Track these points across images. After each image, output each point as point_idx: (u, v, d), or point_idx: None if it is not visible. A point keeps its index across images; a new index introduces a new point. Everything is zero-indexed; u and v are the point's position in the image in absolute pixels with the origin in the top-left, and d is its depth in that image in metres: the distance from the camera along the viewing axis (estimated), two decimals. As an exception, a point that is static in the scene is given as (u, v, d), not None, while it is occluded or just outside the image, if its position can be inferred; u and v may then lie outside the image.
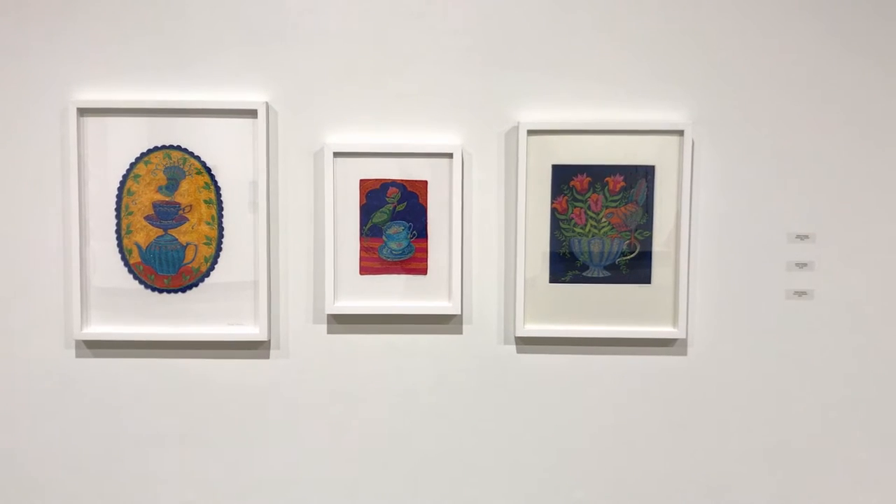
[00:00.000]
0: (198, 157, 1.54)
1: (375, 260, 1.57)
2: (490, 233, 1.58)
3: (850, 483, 1.63)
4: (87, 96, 1.54)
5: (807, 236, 1.57)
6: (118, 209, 1.55)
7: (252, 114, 1.53)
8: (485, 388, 1.61)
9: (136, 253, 1.55)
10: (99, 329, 1.57)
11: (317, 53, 1.54)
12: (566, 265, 1.57)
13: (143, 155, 1.54)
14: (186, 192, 1.54)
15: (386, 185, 1.55)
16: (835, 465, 1.63)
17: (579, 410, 1.62)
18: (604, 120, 1.54)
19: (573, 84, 1.55)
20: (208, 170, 1.54)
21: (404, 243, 1.56)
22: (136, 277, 1.56)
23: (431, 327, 1.60)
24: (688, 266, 1.55)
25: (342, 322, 1.59)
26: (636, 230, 1.56)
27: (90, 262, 1.56)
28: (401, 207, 1.56)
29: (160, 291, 1.56)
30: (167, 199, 1.55)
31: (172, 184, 1.54)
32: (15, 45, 1.53)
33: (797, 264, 1.58)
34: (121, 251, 1.56)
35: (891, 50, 1.54)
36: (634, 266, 1.56)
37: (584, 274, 1.57)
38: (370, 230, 1.56)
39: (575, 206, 1.55)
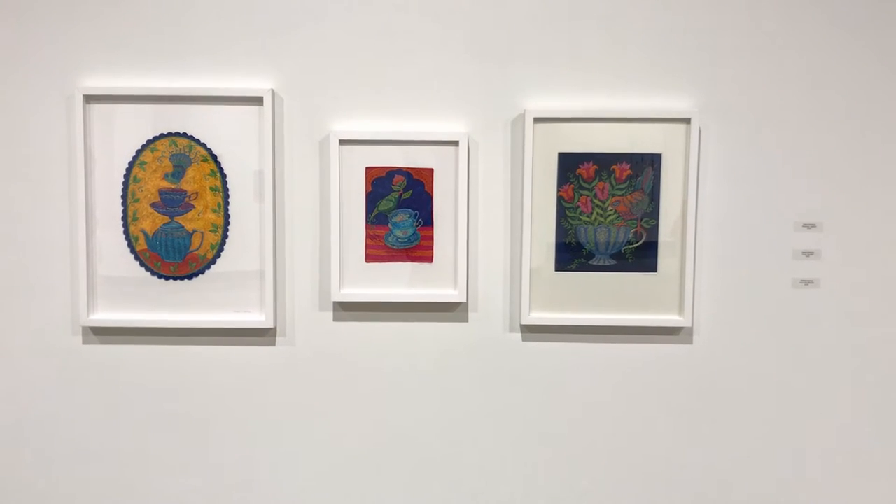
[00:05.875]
0: (204, 145, 1.54)
1: (381, 248, 1.57)
2: (496, 221, 1.58)
3: (852, 472, 1.63)
4: (93, 83, 1.54)
5: (813, 225, 1.57)
6: (124, 196, 1.55)
7: (258, 101, 1.53)
8: (490, 376, 1.61)
9: (142, 240, 1.56)
10: (105, 316, 1.57)
11: (322, 40, 1.54)
12: (572, 253, 1.56)
13: (149, 142, 1.54)
14: (192, 179, 1.54)
15: (392, 172, 1.55)
16: (838, 454, 1.63)
17: (584, 399, 1.62)
18: (610, 107, 1.54)
19: (580, 71, 1.54)
20: (214, 157, 1.54)
21: (410, 231, 1.56)
22: (142, 265, 1.56)
23: (437, 315, 1.60)
24: (694, 254, 1.55)
25: (348, 310, 1.59)
26: (642, 218, 1.55)
27: (96, 249, 1.56)
28: (406, 195, 1.56)
29: (166, 279, 1.57)
30: (173, 187, 1.55)
31: (178, 171, 1.54)
32: (21, 32, 1.53)
33: (803, 253, 1.58)
34: (127, 238, 1.56)
35: (899, 38, 1.54)
36: (640, 255, 1.56)
37: (590, 262, 1.57)
38: (376, 218, 1.56)
39: (581, 194, 1.55)
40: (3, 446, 1.63)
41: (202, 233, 1.56)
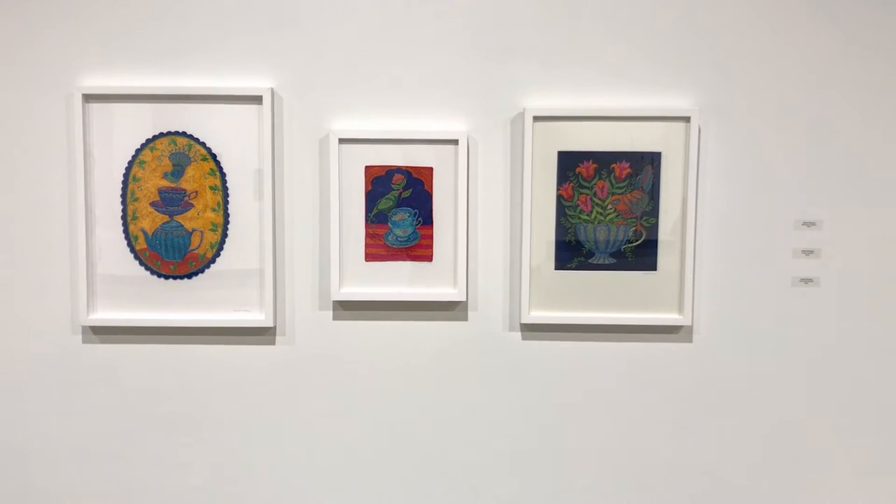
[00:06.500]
0: (203, 144, 1.54)
1: (381, 247, 1.57)
2: (495, 219, 1.58)
3: (851, 470, 1.63)
4: (93, 83, 1.54)
5: (813, 223, 1.57)
6: (124, 195, 1.55)
7: (257, 100, 1.53)
8: (490, 375, 1.61)
9: (142, 239, 1.56)
10: (105, 315, 1.57)
11: (322, 39, 1.54)
12: (572, 252, 1.56)
13: (148, 141, 1.54)
14: (192, 178, 1.54)
15: (391, 171, 1.55)
16: (837, 451, 1.63)
17: (584, 397, 1.62)
18: (610, 106, 1.54)
19: (579, 70, 1.54)
20: (214, 156, 1.54)
21: (409, 230, 1.56)
22: (142, 264, 1.56)
23: (437, 314, 1.60)
24: (693, 253, 1.55)
25: (348, 308, 1.59)
26: (642, 217, 1.55)
27: (96, 249, 1.56)
28: (406, 194, 1.55)
29: (166, 278, 1.57)
30: (173, 186, 1.55)
31: (178, 170, 1.54)
32: (20, 32, 1.53)
33: (803, 251, 1.58)
34: (127, 237, 1.56)
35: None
36: (640, 253, 1.56)
37: (590, 261, 1.57)
38: (375, 217, 1.56)
39: (581, 193, 1.55)
40: (4, 446, 1.63)
41: (202, 232, 1.56)
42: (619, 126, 1.53)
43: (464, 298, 1.56)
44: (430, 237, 1.57)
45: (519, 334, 1.61)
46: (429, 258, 1.57)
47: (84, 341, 1.60)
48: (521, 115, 1.54)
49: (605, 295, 1.57)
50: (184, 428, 1.62)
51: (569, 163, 1.54)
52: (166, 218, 1.55)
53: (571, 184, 1.55)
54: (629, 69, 1.54)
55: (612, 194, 1.55)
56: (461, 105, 1.55)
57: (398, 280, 1.57)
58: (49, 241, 1.57)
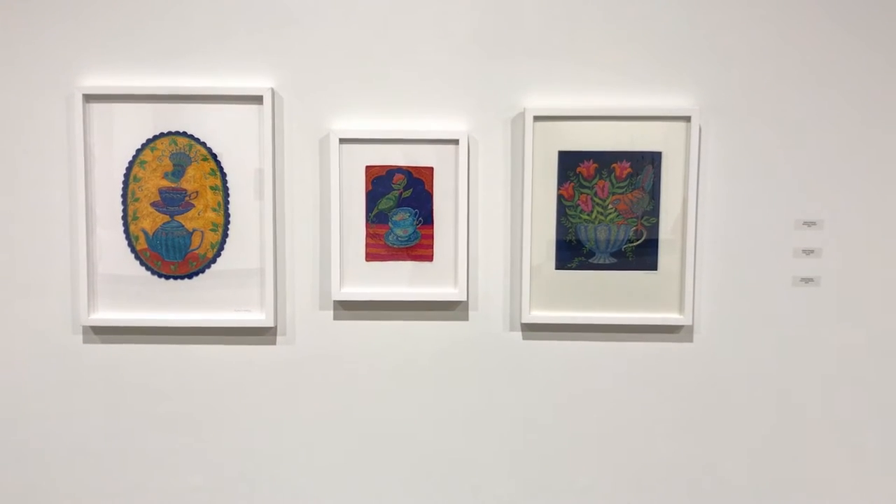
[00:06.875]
0: (203, 144, 1.54)
1: (381, 246, 1.57)
2: (496, 219, 1.58)
3: (851, 469, 1.63)
4: (93, 82, 1.54)
5: (814, 223, 1.57)
6: (124, 196, 1.55)
7: (258, 100, 1.53)
8: (490, 375, 1.61)
9: (142, 239, 1.56)
10: (106, 315, 1.57)
11: (322, 39, 1.54)
12: (572, 252, 1.56)
13: (149, 141, 1.54)
14: (192, 178, 1.54)
15: (392, 171, 1.55)
16: (837, 451, 1.63)
17: (585, 397, 1.62)
18: (610, 106, 1.54)
19: (580, 69, 1.54)
20: (214, 156, 1.54)
21: (410, 230, 1.56)
22: (142, 264, 1.56)
23: (437, 314, 1.60)
24: (694, 252, 1.55)
25: (348, 308, 1.59)
26: (643, 217, 1.55)
27: (97, 249, 1.56)
28: (407, 194, 1.55)
29: (167, 278, 1.57)
30: (173, 186, 1.55)
31: (179, 170, 1.54)
32: (20, 32, 1.53)
33: (804, 251, 1.58)
34: (127, 238, 1.56)
35: (899, 35, 1.54)
36: (641, 253, 1.56)
37: (591, 261, 1.57)
38: (376, 217, 1.56)
39: (581, 193, 1.55)
40: (3, 446, 1.63)
41: (202, 232, 1.56)
42: (620, 126, 1.53)
43: (464, 298, 1.56)
44: (431, 237, 1.57)
45: (519, 334, 1.61)
46: (429, 258, 1.57)
47: (84, 341, 1.60)
48: (522, 114, 1.54)
49: (605, 295, 1.57)
50: (184, 428, 1.62)
51: (569, 162, 1.54)
52: (167, 218, 1.55)
53: (572, 183, 1.55)
54: (630, 69, 1.54)
55: (613, 194, 1.55)
56: (461, 105, 1.55)
57: (398, 280, 1.57)
58: (49, 241, 1.57)
